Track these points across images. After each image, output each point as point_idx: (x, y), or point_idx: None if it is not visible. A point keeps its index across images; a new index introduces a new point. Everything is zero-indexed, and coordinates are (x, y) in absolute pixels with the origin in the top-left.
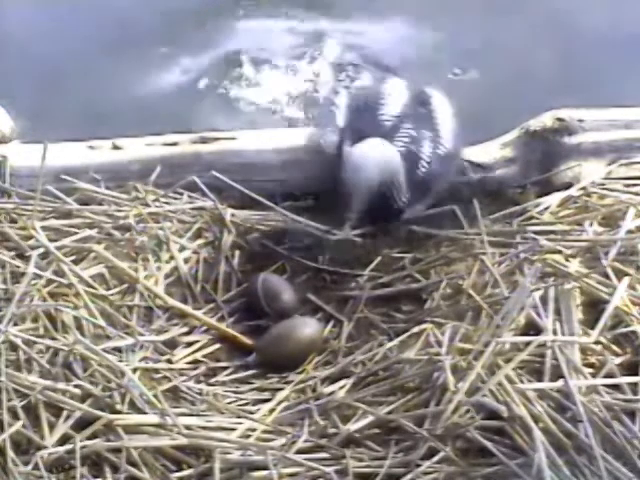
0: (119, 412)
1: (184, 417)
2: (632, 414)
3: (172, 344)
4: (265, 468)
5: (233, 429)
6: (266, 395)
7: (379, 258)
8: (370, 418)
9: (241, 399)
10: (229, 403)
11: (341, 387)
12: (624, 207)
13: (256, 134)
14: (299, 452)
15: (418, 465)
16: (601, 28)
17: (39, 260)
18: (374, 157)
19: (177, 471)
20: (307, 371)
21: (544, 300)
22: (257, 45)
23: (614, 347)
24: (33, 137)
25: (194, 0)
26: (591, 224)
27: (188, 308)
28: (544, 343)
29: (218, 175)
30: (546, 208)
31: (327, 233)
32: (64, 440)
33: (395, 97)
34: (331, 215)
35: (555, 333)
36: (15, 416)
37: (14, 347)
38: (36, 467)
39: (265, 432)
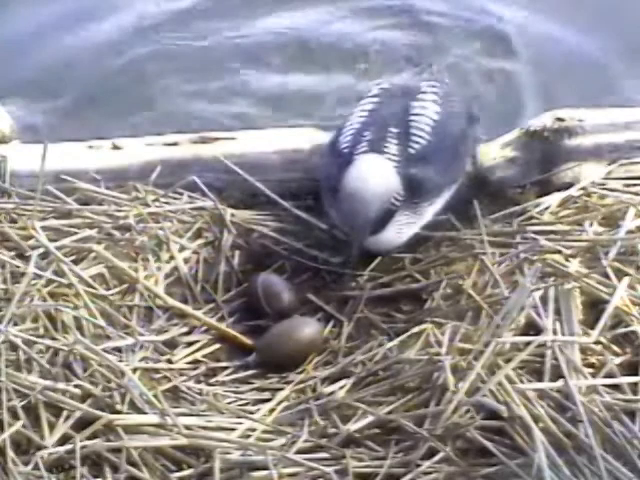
0: (119, 412)
1: (184, 417)
2: (632, 414)
3: (172, 344)
4: (265, 468)
5: (233, 429)
6: (266, 395)
7: (379, 258)
8: (370, 418)
9: (241, 399)
10: (229, 403)
11: (341, 387)
12: (624, 207)
13: (256, 134)
14: (299, 452)
15: (418, 465)
16: None
17: (39, 260)
18: (369, 184)
19: (177, 471)
20: (307, 371)
21: (544, 300)
22: None
23: (614, 347)
24: (33, 137)
25: None
26: (591, 224)
27: (188, 308)
28: (544, 343)
29: (232, 166)
30: (546, 208)
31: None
32: (64, 440)
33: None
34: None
35: (555, 333)
36: (15, 416)
37: (14, 347)
38: (36, 467)
39: (265, 432)
